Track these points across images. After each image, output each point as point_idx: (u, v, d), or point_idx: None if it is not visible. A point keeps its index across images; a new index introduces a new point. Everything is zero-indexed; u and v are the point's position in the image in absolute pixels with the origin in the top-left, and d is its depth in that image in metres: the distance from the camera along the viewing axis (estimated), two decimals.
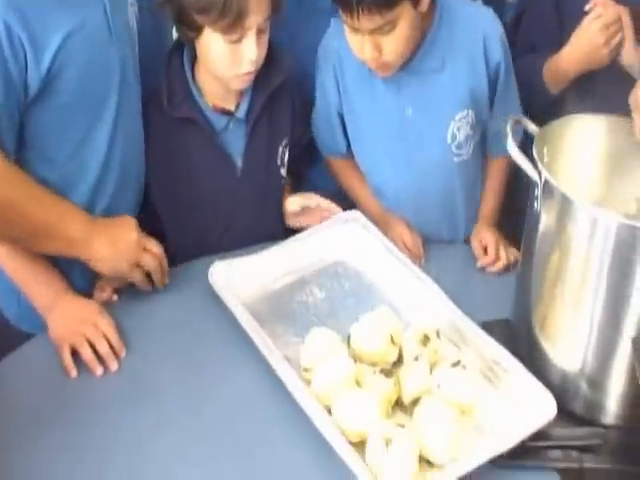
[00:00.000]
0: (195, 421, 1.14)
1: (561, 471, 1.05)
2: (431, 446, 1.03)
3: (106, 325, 1.24)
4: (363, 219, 1.41)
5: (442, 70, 1.39)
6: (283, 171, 1.52)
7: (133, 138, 1.35)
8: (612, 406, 1.10)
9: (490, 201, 1.51)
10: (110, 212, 1.31)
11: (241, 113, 1.44)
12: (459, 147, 1.44)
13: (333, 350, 1.14)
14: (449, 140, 1.42)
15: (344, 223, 1.42)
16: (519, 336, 1.20)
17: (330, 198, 1.47)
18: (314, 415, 1.06)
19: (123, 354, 1.23)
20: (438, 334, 1.18)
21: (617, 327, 1.03)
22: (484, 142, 1.50)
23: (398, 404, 1.13)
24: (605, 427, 1.09)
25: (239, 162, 1.47)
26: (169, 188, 1.46)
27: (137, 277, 1.30)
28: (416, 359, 1.15)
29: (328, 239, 1.40)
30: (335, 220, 1.42)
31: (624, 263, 0.99)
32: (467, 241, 1.48)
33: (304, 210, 1.48)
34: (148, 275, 1.31)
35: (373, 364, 1.16)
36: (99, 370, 1.21)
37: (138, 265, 1.28)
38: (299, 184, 1.60)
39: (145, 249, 1.28)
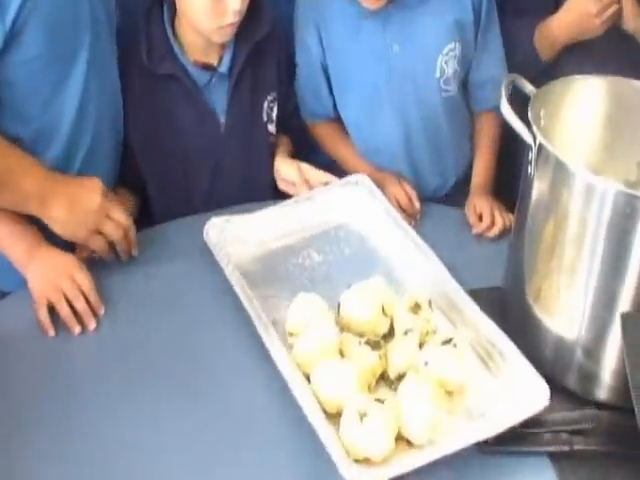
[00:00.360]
0: (178, 382, 1.10)
1: (551, 454, 0.99)
2: (410, 425, 0.97)
3: (83, 280, 1.17)
4: (368, 182, 1.35)
5: (427, 1, 1.39)
6: (271, 127, 1.47)
7: (107, 94, 1.31)
8: (606, 379, 1.04)
9: (482, 170, 1.48)
10: (87, 171, 1.25)
11: (224, 68, 1.39)
12: (447, 82, 1.43)
13: (319, 317, 1.09)
14: (437, 74, 1.41)
15: (350, 186, 1.36)
16: (511, 305, 1.14)
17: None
18: (291, 381, 1.01)
19: (101, 312, 1.17)
20: (430, 304, 1.12)
21: (612, 299, 0.98)
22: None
23: (384, 378, 1.07)
24: (598, 403, 1.04)
25: (222, 118, 1.42)
26: (151, 146, 1.41)
27: (96, 245, 1.22)
28: (406, 333, 1.08)
29: (332, 201, 1.35)
30: (340, 182, 1.36)
31: (620, 234, 0.94)
32: (458, 201, 1.44)
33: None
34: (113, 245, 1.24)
35: (362, 334, 1.10)
36: (76, 328, 1.15)
37: (100, 232, 1.20)
38: (298, 143, 1.54)
39: (109, 217, 1.20)
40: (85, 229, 1.18)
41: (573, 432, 1.00)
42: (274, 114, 1.46)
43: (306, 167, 1.41)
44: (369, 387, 1.04)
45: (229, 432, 1.02)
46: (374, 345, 1.06)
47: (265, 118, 1.45)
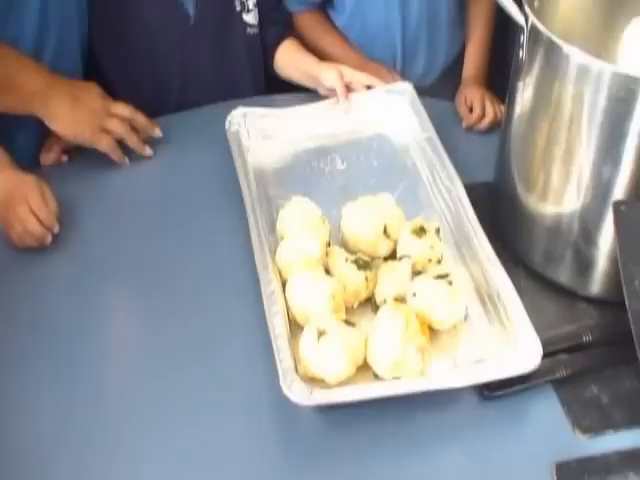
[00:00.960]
0: (159, 279, 1.05)
1: (554, 381, 0.91)
2: (374, 356, 0.89)
3: (35, 200, 1.07)
4: (412, 93, 1.24)
5: None
6: (247, 17, 1.34)
7: None
8: (599, 272, 0.98)
9: (474, 59, 1.39)
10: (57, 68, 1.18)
11: None
12: None
13: (308, 225, 1.01)
14: None
15: (392, 95, 1.25)
16: (502, 200, 1.08)
17: None
18: (263, 287, 0.95)
19: (55, 229, 1.08)
20: (438, 231, 1.02)
21: (606, 187, 0.92)
22: None
23: (371, 302, 0.99)
24: (590, 299, 1.00)
25: (191, 10, 1.30)
26: (116, 43, 1.31)
27: (103, 145, 1.17)
28: (400, 259, 0.99)
29: (370, 109, 1.25)
30: (383, 89, 1.26)
31: (616, 119, 0.87)
32: (444, 91, 1.37)
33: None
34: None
35: (360, 252, 1.02)
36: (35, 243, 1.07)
37: (105, 130, 1.16)
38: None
39: (111, 114, 1.16)
40: (89, 127, 1.15)
41: (571, 349, 0.93)
42: (251, 2, 1.34)
43: (347, 71, 1.27)
44: (350, 308, 0.97)
45: (202, 334, 0.98)
46: (362, 265, 0.98)
47: (239, 7, 1.33)
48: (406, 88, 1.25)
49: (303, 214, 1.02)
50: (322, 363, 0.88)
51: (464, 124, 1.28)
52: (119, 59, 1.33)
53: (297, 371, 0.88)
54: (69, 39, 1.24)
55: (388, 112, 1.24)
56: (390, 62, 1.43)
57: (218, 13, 1.33)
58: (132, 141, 1.20)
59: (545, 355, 0.90)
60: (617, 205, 0.86)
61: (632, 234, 0.83)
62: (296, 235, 0.99)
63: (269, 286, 0.95)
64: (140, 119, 1.20)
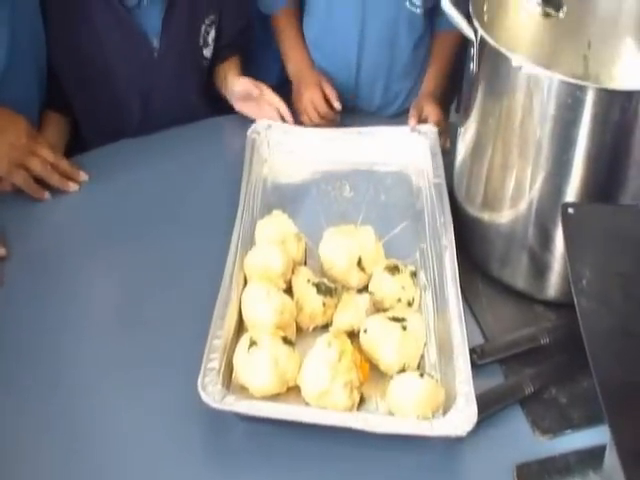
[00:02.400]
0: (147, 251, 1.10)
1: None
2: (303, 378, 0.89)
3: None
4: (434, 136, 1.24)
5: None
6: (206, 52, 1.35)
7: (23, 10, 1.20)
8: (554, 276, 1.01)
9: (432, 78, 1.38)
10: (5, 92, 1.16)
11: None
12: None
13: (279, 239, 1.02)
14: None
15: (415, 134, 1.25)
16: (459, 208, 1.11)
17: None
18: (221, 289, 0.96)
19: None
20: (414, 275, 1.01)
21: (558, 192, 0.95)
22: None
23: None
24: (546, 302, 1.03)
25: (155, 42, 1.29)
26: (78, 69, 1.30)
27: (18, 180, 1.14)
28: (360, 292, 0.98)
29: (391, 144, 1.26)
30: (407, 128, 1.26)
31: (565, 126, 0.90)
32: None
33: (247, 97, 1.32)
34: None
35: (331, 278, 1.02)
36: None
37: (23, 167, 1.13)
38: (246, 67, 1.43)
39: (35, 153, 1.14)
40: (7, 160, 1.12)
41: (528, 351, 0.96)
42: (211, 38, 1.34)
43: (258, 82, 1.31)
44: (306, 330, 0.98)
45: (155, 328, 1.00)
46: (323, 290, 0.97)
47: (201, 42, 1.33)
48: (430, 130, 1.25)
49: (277, 228, 1.03)
50: (249, 373, 0.89)
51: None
52: (76, 82, 1.32)
53: (231, 377, 0.90)
54: (24, 53, 1.21)
55: (409, 152, 1.24)
56: (345, 92, 1.41)
57: (182, 47, 1.33)
58: (53, 180, 1.17)
59: (508, 362, 0.95)
60: (565, 207, 0.87)
61: (579, 235, 0.83)
62: (263, 246, 1.01)
63: (227, 289, 0.96)
64: (63, 165, 1.18)
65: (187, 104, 1.37)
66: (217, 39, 1.38)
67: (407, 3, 1.35)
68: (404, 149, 1.25)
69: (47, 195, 1.17)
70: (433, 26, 1.42)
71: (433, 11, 1.38)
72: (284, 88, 1.39)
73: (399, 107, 1.45)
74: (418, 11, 1.36)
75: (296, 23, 1.43)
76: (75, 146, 1.36)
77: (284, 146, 1.25)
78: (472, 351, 0.93)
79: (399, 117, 1.39)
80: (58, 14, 1.26)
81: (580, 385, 0.93)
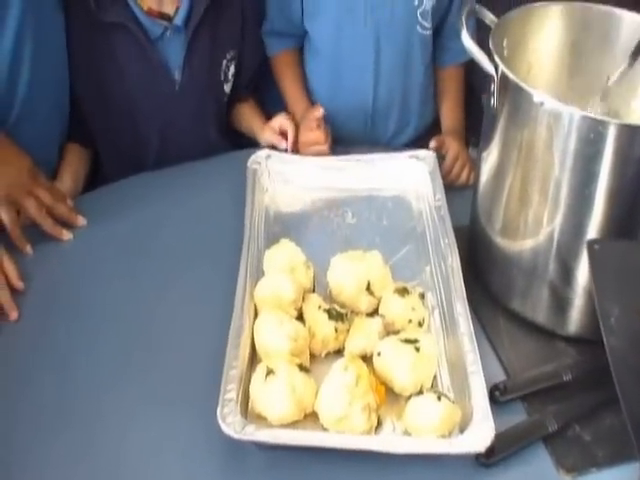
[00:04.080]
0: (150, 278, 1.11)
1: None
2: (320, 404, 0.89)
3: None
4: (433, 161, 1.26)
5: None
6: (226, 87, 1.37)
7: (46, 41, 1.21)
8: (576, 311, 1.01)
9: (450, 114, 1.42)
10: (25, 121, 1.18)
11: (179, 20, 1.28)
12: (424, 16, 1.37)
13: (288, 268, 1.03)
14: (416, 2, 1.36)
15: (414, 160, 1.27)
16: (479, 243, 1.11)
17: None
18: (233, 319, 0.97)
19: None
20: (422, 296, 1.03)
21: (580, 227, 0.95)
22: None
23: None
24: (567, 338, 1.02)
25: (177, 75, 1.31)
26: (100, 101, 1.32)
27: (5, 217, 1.10)
28: (369, 315, 1.00)
29: (391, 170, 1.28)
30: (405, 154, 1.28)
31: (586, 161, 0.90)
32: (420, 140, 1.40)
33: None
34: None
35: (341, 303, 1.03)
36: None
37: (17, 205, 1.12)
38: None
39: (32, 193, 1.12)
40: (1, 195, 1.10)
41: (550, 388, 0.95)
42: (231, 73, 1.37)
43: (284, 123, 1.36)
44: (318, 356, 0.98)
45: (170, 358, 1.00)
46: (334, 316, 0.98)
47: (222, 77, 1.36)
48: (429, 155, 1.27)
49: (286, 257, 1.04)
50: (266, 402, 0.89)
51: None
52: (99, 113, 1.34)
53: (248, 406, 0.90)
54: (45, 83, 1.22)
55: (408, 176, 1.26)
56: (360, 120, 1.45)
57: (204, 81, 1.35)
58: (46, 226, 1.14)
59: (530, 399, 0.94)
60: (591, 244, 0.88)
61: (606, 272, 0.85)
62: (273, 275, 1.01)
63: (239, 319, 0.97)
64: (61, 209, 1.16)
65: (205, 139, 1.39)
66: (237, 74, 1.40)
67: (418, 27, 1.38)
68: (403, 175, 1.26)
69: (28, 248, 1.13)
70: (437, 60, 1.46)
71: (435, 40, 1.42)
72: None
73: (410, 136, 1.48)
74: (428, 33, 1.39)
75: (297, 64, 1.46)
76: (96, 176, 1.39)
77: (284, 175, 1.26)
78: (494, 388, 0.93)
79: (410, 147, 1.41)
80: (81, 47, 1.28)
81: (604, 422, 0.92)
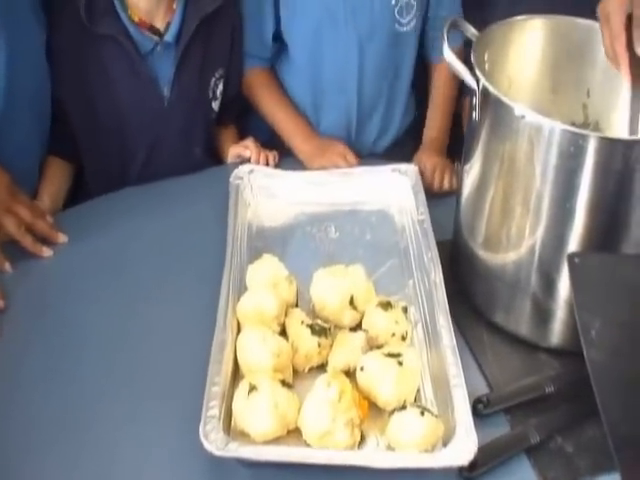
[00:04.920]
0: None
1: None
2: (303, 420, 0.89)
3: None
4: (415, 175, 1.27)
5: None
6: (215, 104, 1.38)
7: (23, 53, 1.19)
8: (559, 323, 1.01)
9: (433, 122, 1.43)
10: (4, 134, 1.17)
11: (170, 36, 1.28)
12: (400, 13, 1.37)
13: (271, 283, 1.03)
14: (393, 1, 1.35)
15: (396, 174, 1.28)
16: (461, 257, 1.11)
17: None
18: (215, 335, 0.96)
19: None
20: (406, 310, 1.03)
21: (561, 241, 0.95)
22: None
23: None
24: (550, 351, 1.03)
25: (166, 91, 1.32)
26: (87, 115, 1.31)
27: None
28: (353, 330, 1.00)
29: (373, 185, 1.28)
30: (388, 168, 1.29)
31: (567, 174, 0.91)
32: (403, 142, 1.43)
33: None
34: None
35: (324, 318, 1.03)
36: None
37: None
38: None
39: (10, 211, 1.11)
40: None
41: (533, 400, 0.95)
42: (219, 91, 1.38)
43: (246, 142, 1.38)
44: (302, 371, 0.98)
45: (150, 371, 1.00)
46: (317, 331, 0.98)
47: (210, 95, 1.37)
48: (411, 169, 1.27)
49: (269, 272, 1.04)
50: (249, 418, 0.88)
51: None
52: (87, 128, 1.33)
53: (231, 422, 0.90)
54: (21, 94, 1.20)
55: (391, 190, 1.26)
56: (344, 125, 1.46)
57: (192, 98, 1.35)
58: (25, 243, 1.13)
59: (512, 411, 0.94)
60: (571, 257, 0.88)
61: (587, 285, 0.85)
62: (256, 290, 1.01)
63: (221, 334, 0.97)
64: (41, 225, 1.15)
65: (191, 156, 1.39)
66: (224, 91, 1.40)
67: (396, 25, 1.38)
68: (386, 189, 1.27)
69: (7, 267, 1.12)
70: (427, 56, 1.48)
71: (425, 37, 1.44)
72: (274, 140, 1.43)
73: (393, 137, 1.50)
74: (406, 29, 1.39)
75: (275, 83, 1.45)
76: (79, 190, 1.38)
77: (267, 190, 1.26)
78: (477, 401, 0.93)
79: (394, 153, 1.44)
80: (70, 60, 1.28)
81: (586, 434, 0.92)
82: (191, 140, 1.39)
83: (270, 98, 1.44)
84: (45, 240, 1.17)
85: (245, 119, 1.51)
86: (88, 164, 1.39)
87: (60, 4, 1.26)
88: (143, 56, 1.29)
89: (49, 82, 1.28)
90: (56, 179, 1.34)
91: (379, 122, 1.48)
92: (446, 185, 1.32)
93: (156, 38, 1.29)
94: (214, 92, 1.38)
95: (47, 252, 1.15)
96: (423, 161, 1.34)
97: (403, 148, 1.46)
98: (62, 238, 1.18)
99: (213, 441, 0.84)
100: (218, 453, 0.83)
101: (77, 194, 1.40)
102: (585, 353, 0.74)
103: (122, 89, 1.30)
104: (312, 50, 1.40)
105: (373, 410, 0.94)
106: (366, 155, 1.44)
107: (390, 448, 0.90)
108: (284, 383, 0.91)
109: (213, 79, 1.37)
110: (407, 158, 1.36)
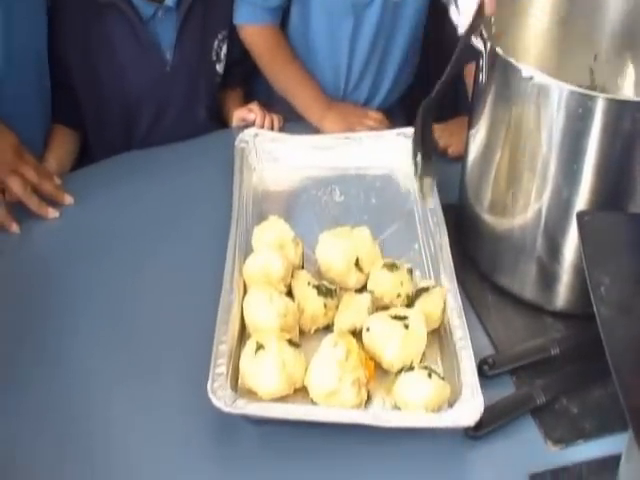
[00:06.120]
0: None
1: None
2: (310, 378, 0.89)
3: None
4: None
5: None
6: (219, 67, 1.37)
7: (21, 33, 1.18)
8: (565, 286, 1.01)
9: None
10: (3, 107, 1.15)
11: (171, 1, 1.27)
12: None
13: (278, 244, 1.03)
14: None
15: (401, 137, 1.27)
16: (467, 221, 1.11)
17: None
18: (222, 295, 0.97)
19: None
20: (411, 272, 1.03)
21: (568, 202, 0.95)
22: None
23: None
24: (555, 314, 1.03)
25: (168, 55, 1.31)
26: (90, 79, 1.31)
27: None
28: (358, 291, 1.00)
29: (379, 149, 1.27)
30: (392, 132, 1.28)
31: (574, 136, 0.91)
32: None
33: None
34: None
35: (330, 280, 1.03)
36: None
37: (2, 184, 1.11)
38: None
39: (17, 172, 1.11)
40: None
41: (538, 362, 0.96)
42: (222, 53, 1.36)
43: (249, 106, 1.38)
44: (308, 332, 0.98)
45: (158, 334, 1.00)
46: (324, 292, 0.98)
47: (214, 57, 1.35)
48: None
49: (275, 233, 1.04)
50: (256, 376, 0.89)
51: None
52: (89, 92, 1.33)
53: (237, 381, 0.90)
54: (23, 61, 1.20)
55: (396, 155, 1.26)
56: (333, 83, 1.44)
57: (195, 61, 1.34)
58: (31, 204, 1.13)
59: (518, 373, 0.95)
60: (581, 215, 0.88)
61: (596, 243, 0.85)
62: (263, 251, 1.01)
63: (228, 295, 0.97)
64: (46, 187, 1.14)
65: (195, 120, 1.38)
66: (229, 52, 1.38)
67: None
68: (391, 153, 1.26)
69: (15, 227, 1.12)
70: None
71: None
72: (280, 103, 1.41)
73: (383, 99, 1.48)
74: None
75: (287, 47, 1.40)
76: (83, 158, 1.37)
77: (272, 154, 1.26)
78: (483, 362, 0.94)
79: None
80: (73, 29, 1.27)
81: (591, 395, 0.93)
82: (195, 103, 1.38)
83: (282, 66, 1.39)
84: (51, 201, 1.16)
85: (251, 81, 1.49)
86: (92, 131, 1.38)
87: None
88: (144, 22, 1.29)
89: (48, 43, 1.27)
90: (63, 144, 1.34)
91: (368, 86, 1.45)
92: (454, 148, 1.29)
93: (157, 4, 1.28)
94: (218, 54, 1.37)
95: (53, 213, 1.15)
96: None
97: (398, 110, 1.45)
98: (68, 199, 1.18)
99: (221, 397, 0.84)
100: (226, 409, 0.84)
101: (82, 161, 1.39)
102: (595, 309, 0.74)
103: (124, 55, 1.30)
104: (301, 18, 1.38)
105: (379, 370, 0.94)
106: None
107: (396, 408, 0.90)
108: (291, 342, 0.91)
109: (216, 41, 1.36)
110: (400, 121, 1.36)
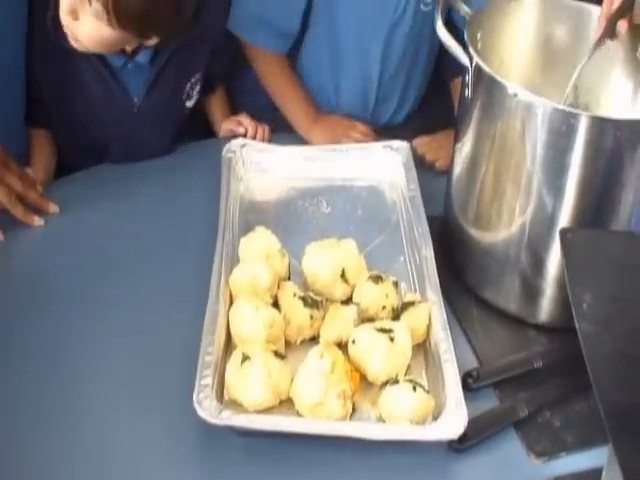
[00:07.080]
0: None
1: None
2: (296, 391, 0.90)
3: None
4: (407, 152, 1.27)
5: None
6: (189, 103, 1.34)
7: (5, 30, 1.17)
8: (548, 300, 1.03)
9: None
10: None
11: (143, 58, 1.23)
12: None
13: (264, 255, 1.03)
14: None
15: (388, 150, 1.28)
16: (452, 234, 1.12)
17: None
18: (208, 305, 0.97)
19: None
20: (396, 284, 1.03)
21: (550, 220, 0.97)
22: None
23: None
24: (539, 326, 1.05)
25: (136, 99, 1.28)
26: (61, 104, 1.28)
27: None
28: (344, 303, 1.01)
29: (366, 161, 1.28)
30: (380, 144, 1.29)
31: (558, 152, 0.92)
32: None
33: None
34: None
35: (316, 291, 1.03)
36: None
37: None
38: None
39: (1, 180, 1.10)
40: None
41: (522, 375, 0.98)
42: (195, 91, 1.34)
43: (239, 118, 1.38)
44: (293, 343, 0.99)
45: (146, 343, 1.00)
46: (310, 303, 0.99)
47: (185, 97, 1.34)
48: (403, 146, 1.28)
49: (262, 244, 1.04)
50: (242, 387, 0.89)
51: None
52: (60, 113, 1.30)
53: (223, 392, 0.91)
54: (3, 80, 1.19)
55: (382, 167, 1.27)
56: (362, 104, 1.45)
57: (164, 103, 1.31)
58: (16, 212, 1.13)
59: (501, 386, 0.96)
60: (563, 232, 0.89)
61: (578, 260, 0.86)
62: (249, 262, 1.02)
63: (214, 305, 0.97)
64: (32, 195, 1.15)
65: (165, 148, 1.36)
66: (203, 88, 1.36)
67: (421, 5, 1.36)
68: (377, 165, 1.27)
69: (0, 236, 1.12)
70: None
71: None
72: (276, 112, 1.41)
73: (409, 111, 1.50)
74: (429, 9, 1.35)
75: (290, 68, 1.42)
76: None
77: (259, 164, 1.26)
78: (467, 375, 0.95)
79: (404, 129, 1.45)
80: (45, 58, 1.23)
81: (573, 408, 0.94)
82: (163, 135, 1.36)
83: (274, 77, 1.41)
84: (36, 210, 1.16)
85: (242, 82, 1.48)
86: (65, 149, 1.37)
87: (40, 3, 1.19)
88: (114, 70, 1.25)
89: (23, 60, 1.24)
90: (44, 147, 1.33)
91: (396, 100, 1.47)
92: (441, 161, 1.30)
93: (125, 57, 1.24)
94: (189, 94, 1.34)
95: (38, 221, 1.15)
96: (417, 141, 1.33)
97: (411, 124, 1.47)
98: (53, 208, 1.17)
99: (207, 409, 0.84)
100: (212, 421, 0.84)
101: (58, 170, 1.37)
102: (577, 326, 0.75)
103: (93, 92, 1.26)
104: (329, 34, 1.38)
105: (364, 383, 0.95)
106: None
107: (381, 420, 0.91)
108: (277, 354, 0.92)
109: (188, 84, 1.33)
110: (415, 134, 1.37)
